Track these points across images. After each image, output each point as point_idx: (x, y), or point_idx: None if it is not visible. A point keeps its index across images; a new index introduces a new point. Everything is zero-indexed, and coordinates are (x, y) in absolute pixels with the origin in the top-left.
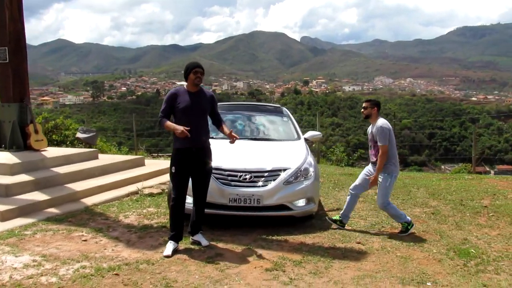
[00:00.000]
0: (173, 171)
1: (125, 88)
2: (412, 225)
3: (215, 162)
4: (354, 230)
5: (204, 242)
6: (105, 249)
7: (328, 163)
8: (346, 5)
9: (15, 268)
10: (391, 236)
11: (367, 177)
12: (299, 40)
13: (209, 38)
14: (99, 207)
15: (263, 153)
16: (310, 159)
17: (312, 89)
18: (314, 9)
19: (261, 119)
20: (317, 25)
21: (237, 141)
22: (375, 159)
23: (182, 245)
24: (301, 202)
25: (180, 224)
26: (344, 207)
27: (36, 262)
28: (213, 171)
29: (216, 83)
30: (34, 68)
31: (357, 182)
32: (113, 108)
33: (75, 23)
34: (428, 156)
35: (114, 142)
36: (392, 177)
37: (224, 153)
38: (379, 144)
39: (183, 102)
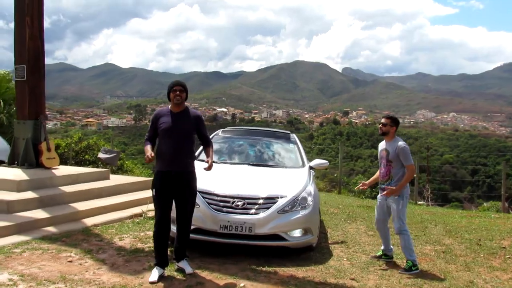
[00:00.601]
0: (153, 193)
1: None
2: (417, 268)
3: (209, 186)
4: (353, 265)
5: (188, 269)
6: (86, 271)
7: (350, 194)
8: (390, 38)
9: None
10: (391, 274)
11: (384, 204)
12: (340, 71)
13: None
14: (98, 228)
15: (261, 179)
16: (311, 188)
17: (352, 120)
18: (357, 41)
19: (266, 145)
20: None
21: (236, 166)
22: (385, 179)
23: (166, 271)
24: (297, 233)
25: (163, 250)
26: (382, 241)
27: (12, 282)
28: (206, 196)
29: (256, 111)
30: (81, 90)
31: (377, 216)
32: None
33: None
34: (470, 193)
35: (140, 164)
36: (404, 199)
37: (219, 178)
38: (405, 163)
39: (165, 123)
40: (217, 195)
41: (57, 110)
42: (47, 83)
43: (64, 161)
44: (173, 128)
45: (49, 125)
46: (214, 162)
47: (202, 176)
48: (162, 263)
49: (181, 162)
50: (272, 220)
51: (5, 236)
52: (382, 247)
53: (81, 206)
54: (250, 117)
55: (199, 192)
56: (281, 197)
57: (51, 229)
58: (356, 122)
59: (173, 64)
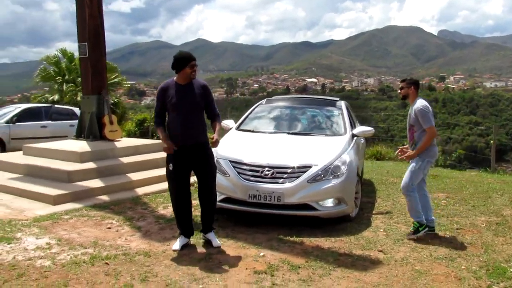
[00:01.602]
0: (170, 168)
1: (257, 85)
2: (425, 228)
3: (239, 155)
4: (388, 237)
5: (216, 242)
6: (119, 237)
7: None
8: None
9: (26, 249)
10: (425, 247)
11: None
12: (436, 34)
13: (340, 34)
14: (148, 197)
15: (294, 148)
16: (346, 156)
17: (449, 85)
18: (454, 1)
19: (308, 113)
20: (457, 18)
21: (272, 135)
22: (410, 143)
23: (193, 240)
24: (329, 203)
25: (186, 221)
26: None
27: (48, 246)
28: (236, 165)
29: (347, 80)
30: None
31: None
32: (245, 104)
33: (213, 23)
34: None
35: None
36: (424, 162)
37: (251, 147)
38: (424, 126)
39: (173, 97)
40: (247, 164)
41: (155, 86)
42: (144, 61)
43: (151, 135)
44: (182, 101)
45: (147, 100)
46: (251, 131)
47: (233, 145)
48: (186, 232)
49: (193, 135)
50: (301, 190)
51: (61, 203)
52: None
53: (136, 176)
54: (340, 87)
55: (230, 161)
56: (312, 166)
57: (104, 197)
58: (453, 88)
59: (262, 36)
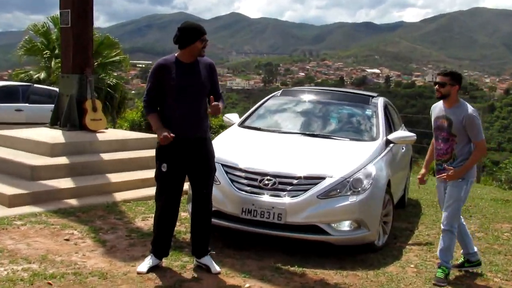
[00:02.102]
0: (163, 169)
1: (303, 74)
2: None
3: (234, 158)
4: (418, 275)
5: (215, 268)
6: (76, 252)
7: (495, 184)
8: None
9: None
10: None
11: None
12: None
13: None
14: (127, 204)
15: (306, 153)
16: (373, 168)
17: None
18: None
19: (332, 110)
20: None
21: (283, 135)
22: (446, 157)
23: (166, 262)
24: (345, 226)
25: (167, 238)
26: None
27: None
28: (229, 170)
29: (418, 73)
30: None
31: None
32: None
33: None
34: None
35: None
36: (468, 184)
37: (250, 148)
38: (475, 139)
39: (176, 78)
40: (242, 170)
41: None
42: (164, 36)
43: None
44: (187, 84)
45: None
46: (256, 129)
47: (230, 145)
48: (160, 252)
49: (197, 126)
50: (309, 207)
51: (17, 205)
52: (462, 251)
53: (118, 177)
54: (409, 81)
55: (221, 164)
56: (326, 178)
57: (72, 201)
58: None
59: (312, 13)
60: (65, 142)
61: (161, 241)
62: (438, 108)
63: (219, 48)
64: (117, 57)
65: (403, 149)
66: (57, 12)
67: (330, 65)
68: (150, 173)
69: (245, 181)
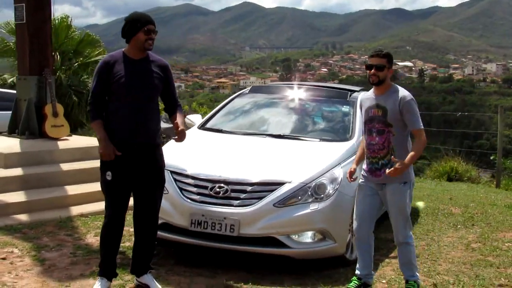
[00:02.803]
0: (108, 178)
1: (325, 69)
2: None
3: (183, 163)
4: None
5: (155, 286)
6: (9, 272)
7: None
8: None
9: None
10: None
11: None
12: None
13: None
14: (83, 218)
15: (266, 157)
16: (340, 171)
17: None
18: None
19: (306, 108)
20: None
21: (242, 137)
22: (383, 153)
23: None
24: (307, 237)
25: (113, 257)
26: (362, 261)
27: None
28: (178, 177)
29: (456, 65)
30: (212, 40)
31: (360, 215)
32: None
33: None
34: None
35: None
36: (411, 187)
37: (202, 153)
38: (414, 127)
39: (123, 75)
40: (190, 177)
41: (182, 68)
42: (168, 32)
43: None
44: (135, 82)
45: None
46: (218, 131)
47: (182, 149)
48: (109, 272)
49: (149, 130)
50: (265, 216)
51: None
52: (359, 272)
53: (77, 189)
54: (446, 74)
55: (170, 171)
56: (285, 183)
57: (22, 216)
58: None
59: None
60: (21, 151)
61: (109, 260)
62: (366, 97)
63: (230, 44)
64: (100, 56)
65: None
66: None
67: (356, 58)
68: None
69: (194, 189)
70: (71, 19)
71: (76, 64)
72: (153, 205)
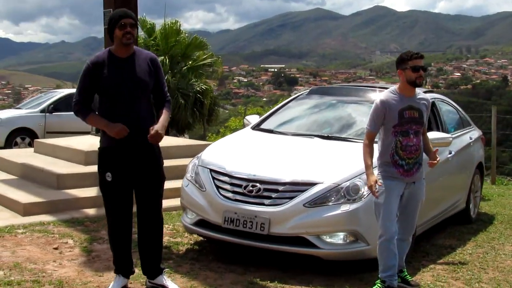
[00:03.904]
0: (108, 179)
1: (459, 74)
2: None
3: (222, 161)
4: None
5: (173, 286)
6: (54, 261)
7: None
8: None
9: None
10: None
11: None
12: None
13: None
14: None
15: (303, 157)
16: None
17: None
18: None
19: (360, 110)
20: None
21: (291, 138)
22: (418, 152)
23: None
24: (338, 238)
25: (127, 255)
26: (395, 259)
27: None
28: (216, 175)
29: None
30: (343, 44)
31: (392, 215)
32: None
33: None
34: None
35: None
36: None
37: (246, 152)
38: (425, 127)
39: (109, 75)
40: (227, 175)
41: (311, 72)
42: (299, 36)
43: None
44: (123, 81)
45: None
46: (270, 131)
47: (228, 149)
48: (125, 270)
49: (141, 130)
50: (294, 216)
51: (32, 214)
52: (384, 274)
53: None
54: None
55: (211, 170)
56: (317, 184)
57: (89, 211)
58: None
59: (470, 2)
60: None
61: (122, 259)
62: (395, 99)
63: (361, 48)
64: (209, 60)
65: (451, 153)
66: (142, 14)
67: (492, 62)
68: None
69: (229, 187)
70: (180, 24)
71: (185, 68)
72: (155, 204)
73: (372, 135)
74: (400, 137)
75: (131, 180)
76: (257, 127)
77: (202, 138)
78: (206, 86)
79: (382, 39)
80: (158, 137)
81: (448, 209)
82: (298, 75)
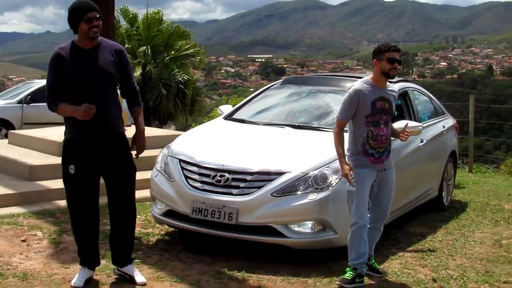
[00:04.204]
0: (71, 171)
1: (445, 63)
2: (362, 280)
3: (191, 151)
4: (385, 285)
5: (140, 278)
6: (21, 253)
7: None
8: None
9: None
10: None
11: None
12: None
13: None
14: None
15: (273, 147)
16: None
17: None
18: None
19: (333, 99)
20: None
21: (263, 127)
22: (388, 142)
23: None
24: (306, 227)
25: (92, 246)
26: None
27: None
28: (185, 165)
29: None
30: (330, 34)
31: (363, 203)
32: None
33: None
34: None
35: None
36: None
37: (214, 141)
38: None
39: (73, 67)
40: (195, 165)
41: (298, 62)
42: (286, 27)
43: None
44: (88, 72)
45: None
46: (242, 121)
47: (198, 139)
48: (91, 262)
49: (108, 120)
50: (262, 205)
51: (4, 206)
52: (355, 262)
53: None
54: None
55: (180, 160)
56: (285, 173)
57: (61, 202)
58: None
59: None
60: None
61: (87, 250)
62: (368, 89)
63: (348, 38)
64: (191, 50)
65: (423, 141)
66: (124, 4)
67: (478, 52)
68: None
69: (198, 177)
70: (162, 13)
71: (168, 58)
72: (126, 195)
73: (343, 124)
74: (372, 127)
75: (96, 172)
76: (229, 117)
77: (186, 129)
78: (188, 77)
79: (369, 29)
80: (144, 147)
81: (420, 197)
82: (285, 65)
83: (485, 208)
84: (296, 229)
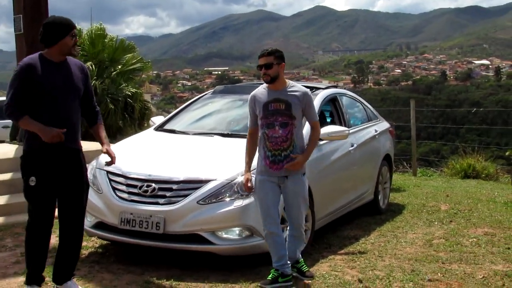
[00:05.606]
0: (31, 184)
1: (399, 70)
2: (287, 279)
3: (118, 162)
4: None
5: None
6: None
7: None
8: None
9: None
10: None
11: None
12: None
13: None
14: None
15: (200, 155)
16: None
17: None
18: None
19: None
20: None
21: (192, 137)
22: (285, 145)
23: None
24: (233, 234)
25: (42, 262)
26: (279, 252)
27: None
28: (113, 177)
29: None
30: (285, 45)
31: (267, 211)
32: (380, 98)
33: None
34: None
35: None
36: (305, 177)
37: (142, 152)
38: (313, 119)
39: (43, 79)
40: (123, 176)
41: (254, 74)
42: (241, 39)
43: None
44: (57, 83)
45: None
46: (172, 131)
47: (125, 150)
48: (40, 279)
49: (71, 134)
50: (189, 214)
51: None
52: (276, 264)
53: None
54: None
55: (108, 172)
56: (210, 181)
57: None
58: None
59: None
60: (14, 157)
61: (38, 266)
62: (263, 93)
63: (303, 48)
64: (138, 64)
65: (353, 145)
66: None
67: (431, 58)
68: None
69: (125, 188)
70: (105, 28)
71: (115, 72)
72: (79, 211)
73: (250, 131)
74: (266, 129)
75: (55, 185)
76: (160, 127)
77: None
78: (135, 90)
79: (324, 38)
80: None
81: (354, 200)
82: (242, 77)
83: (422, 209)
84: (224, 235)
